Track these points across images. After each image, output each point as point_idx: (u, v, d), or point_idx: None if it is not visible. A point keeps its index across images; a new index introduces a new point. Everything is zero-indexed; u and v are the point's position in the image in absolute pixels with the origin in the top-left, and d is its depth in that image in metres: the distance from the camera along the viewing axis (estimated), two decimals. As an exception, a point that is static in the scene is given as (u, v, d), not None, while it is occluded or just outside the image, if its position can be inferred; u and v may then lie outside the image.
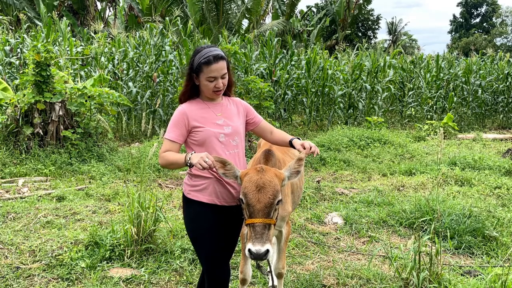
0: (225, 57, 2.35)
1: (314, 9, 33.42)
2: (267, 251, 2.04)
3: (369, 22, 42.54)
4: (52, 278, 3.43)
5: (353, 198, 5.78)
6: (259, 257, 2.05)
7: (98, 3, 22.91)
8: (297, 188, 3.03)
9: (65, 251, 3.77)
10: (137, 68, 10.69)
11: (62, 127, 7.07)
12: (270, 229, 2.11)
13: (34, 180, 6.16)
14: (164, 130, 2.45)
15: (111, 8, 23.90)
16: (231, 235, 2.45)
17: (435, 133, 11.24)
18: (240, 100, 2.58)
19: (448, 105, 13.41)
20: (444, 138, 11.14)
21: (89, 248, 3.79)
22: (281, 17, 24.67)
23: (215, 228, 2.36)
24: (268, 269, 2.60)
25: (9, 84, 8.58)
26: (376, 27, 43.19)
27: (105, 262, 3.64)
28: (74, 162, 6.77)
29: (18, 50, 10.66)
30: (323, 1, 38.69)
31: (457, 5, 55.30)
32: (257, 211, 2.11)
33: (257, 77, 10.25)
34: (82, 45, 11.67)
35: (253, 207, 2.13)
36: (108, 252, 3.71)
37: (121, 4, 22.86)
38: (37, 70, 6.88)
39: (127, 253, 3.72)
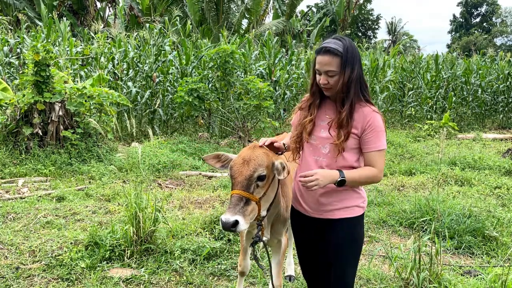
0: (338, 53, 2.04)
1: (314, 9, 33.44)
2: (236, 222, 2.02)
3: (369, 22, 42.57)
4: (52, 278, 3.42)
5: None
6: (227, 227, 2.02)
7: (98, 3, 22.90)
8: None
9: (65, 251, 3.76)
10: (137, 68, 10.68)
11: (62, 127, 7.06)
12: (247, 204, 2.09)
13: (34, 180, 6.16)
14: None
15: (110, 8, 23.89)
16: None
17: (435, 133, 11.24)
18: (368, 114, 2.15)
19: (448, 105, 13.41)
20: (444, 138, 11.14)
21: (89, 248, 3.78)
22: (281, 17, 24.67)
23: None
24: (264, 265, 2.60)
25: (8, 84, 8.57)
26: (376, 27, 43.23)
27: (105, 262, 3.64)
28: (74, 162, 6.76)
29: (18, 50, 10.66)
30: (323, 1, 38.71)
31: (457, 5, 55.36)
32: (237, 183, 2.13)
33: (257, 77, 10.26)
34: (81, 45, 11.67)
35: (234, 179, 2.15)
36: (108, 252, 3.70)
37: (120, 4, 22.86)
38: (36, 70, 6.87)
39: (127, 253, 3.72)
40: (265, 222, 2.43)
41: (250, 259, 2.53)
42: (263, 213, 2.26)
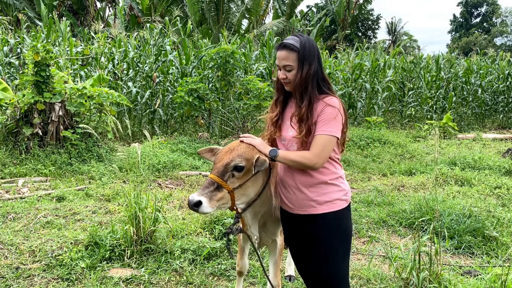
0: (295, 48, 2.14)
1: (314, 9, 33.44)
2: (199, 202, 2.09)
3: (369, 22, 42.56)
4: (52, 278, 3.42)
5: (353, 198, 5.77)
6: (190, 205, 2.09)
7: (98, 3, 22.90)
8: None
9: (65, 251, 3.77)
10: (137, 68, 10.68)
11: (62, 127, 7.06)
12: (218, 190, 2.14)
13: (34, 180, 6.16)
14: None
15: (110, 8, 23.90)
16: None
17: (432, 134, 11.24)
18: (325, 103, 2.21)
19: (448, 105, 13.41)
20: (444, 138, 11.15)
21: (89, 248, 3.79)
22: (281, 17, 24.67)
23: None
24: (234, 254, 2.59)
25: (8, 84, 8.57)
26: (376, 27, 43.23)
27: (105, 262, 3.64)
28: (74, 162, 6.76)
29: (18, 50, 10.66)
30: (323, 1, 38.70)
31: (457, 5, 55.37)
32: (214, 168, 2.20)
33: (257, 77, 10.26)
34: (81, 45, 11.67)
35: (214, 164, 2.23)
36: (108, 252, 3.71)
37: (120, 4, 22.86)
38: (36, 70, 6.87)
39: (127, 253, 3.72)
40: (249, 218, 2.41)
41: (246, 257, 2.54)
42: (241, 206, 2.28)
